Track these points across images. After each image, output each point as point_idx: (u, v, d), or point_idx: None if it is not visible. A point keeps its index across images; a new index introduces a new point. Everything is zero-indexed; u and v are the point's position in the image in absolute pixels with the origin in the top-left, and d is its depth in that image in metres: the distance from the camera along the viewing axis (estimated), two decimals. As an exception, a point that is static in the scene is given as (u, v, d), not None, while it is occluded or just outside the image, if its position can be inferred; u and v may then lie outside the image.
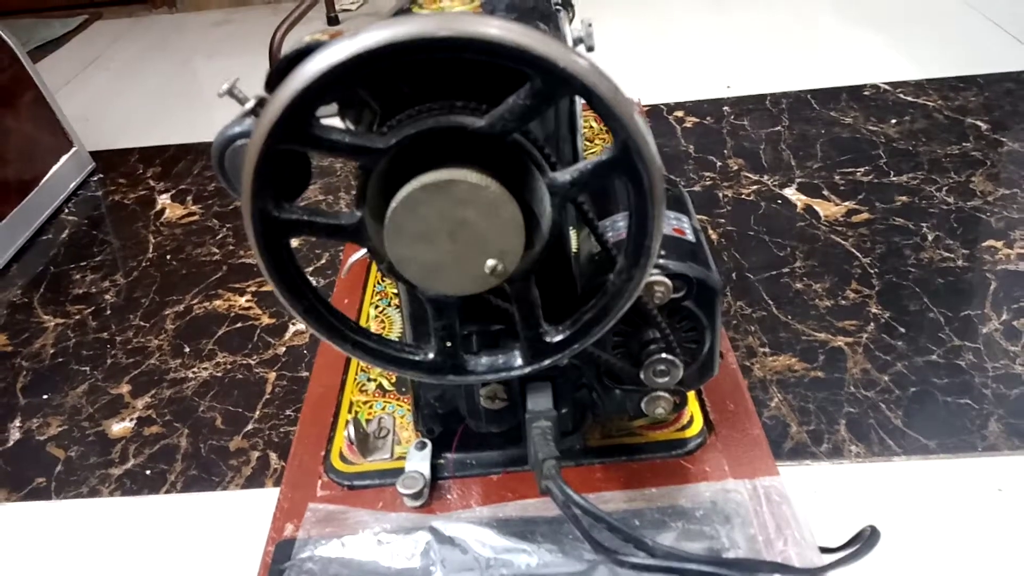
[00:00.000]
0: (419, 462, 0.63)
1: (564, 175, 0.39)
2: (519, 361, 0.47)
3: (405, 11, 0.53)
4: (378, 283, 0.81)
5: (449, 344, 0.46)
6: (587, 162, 0.39)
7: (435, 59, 0.36)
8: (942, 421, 0.97)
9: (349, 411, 0.69)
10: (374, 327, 0.76)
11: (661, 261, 0.53)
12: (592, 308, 0.44)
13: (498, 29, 0.35)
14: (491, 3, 0.52)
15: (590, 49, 0.69)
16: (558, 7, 0.69)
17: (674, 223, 0.59)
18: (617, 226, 0.57)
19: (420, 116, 0.40)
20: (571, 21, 0.75)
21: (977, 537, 0.83)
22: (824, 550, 0.55)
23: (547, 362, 0.46)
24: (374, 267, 0.83)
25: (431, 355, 0.46)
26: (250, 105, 0.48)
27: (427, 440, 0.64)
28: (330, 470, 0.65)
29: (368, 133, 0.40)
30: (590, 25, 0.70)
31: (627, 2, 2.41)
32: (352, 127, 0.50)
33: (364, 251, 0.45)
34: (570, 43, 0.67)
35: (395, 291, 0.77)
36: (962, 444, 0.94)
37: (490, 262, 0.40)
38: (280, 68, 0.44)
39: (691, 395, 0.66)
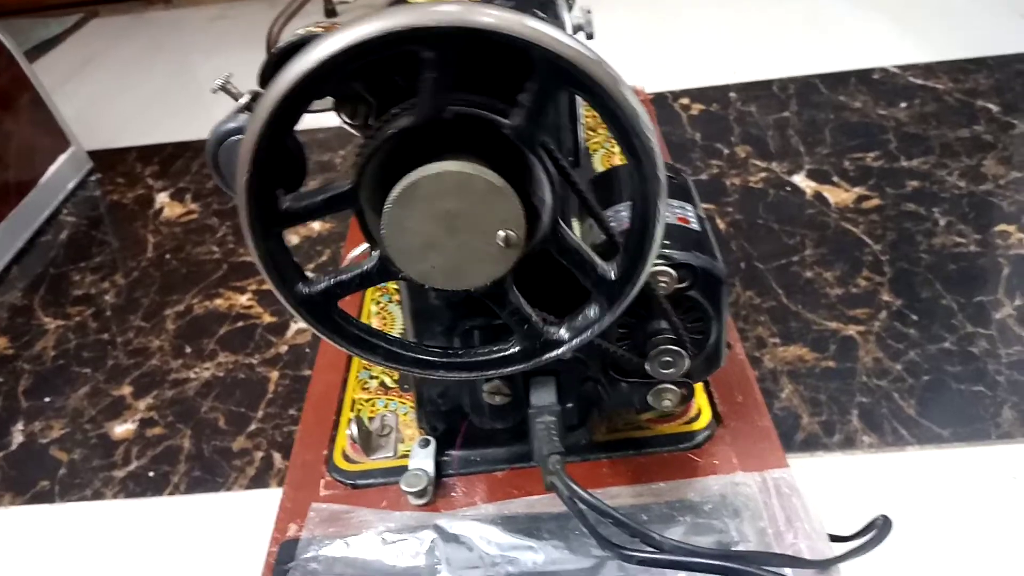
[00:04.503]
0: (423, 460, 0.62)
1: (517, 119, 0.38)
2: (597, 312, 0.44)
3: (399, 1, 0.52)
4: (378, 278, 0.80)
5: (527, 326, 0.44)
6: (529, 94, 0.37)
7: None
8: (956, 409, 0.96)
9: (351, 409, 0.68)
10: (376, 323, 0.75)
11: (665, 251, 0.52)
12: (634, 229, 0.42)
13: (360, 27, 0.34)
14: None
15: (590, 36, 0.68)
16: (557, -7, 0.67)
17: (678, 212, 0.57)
18: (620, 216, 0.55)
19: (369, 142, 0.39)
20: (571, 8, 0.73)
21: (992, 525, 0.82)
22: (835, 538, 0.54)
23: (626, 302, 0.44)
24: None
25: (518, 345, 0.45)
26: (244, 100, 0.47)
27: (430, 437, 0.63)
28: (333, 469, 0.63)
29: (332, 184, 0.41)
30: (589, 12, 0.69)
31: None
32: (349, 120, 0.49)
33: (365, 246, 0.44)
34: (569, 30, 0.65)
35: (396, 287, 0.76)
36: (976, 432, 0.93)
37: (500, 234, 0.39)
38: (272, 62, 0.43)
39: (698, 387, 0.64)
